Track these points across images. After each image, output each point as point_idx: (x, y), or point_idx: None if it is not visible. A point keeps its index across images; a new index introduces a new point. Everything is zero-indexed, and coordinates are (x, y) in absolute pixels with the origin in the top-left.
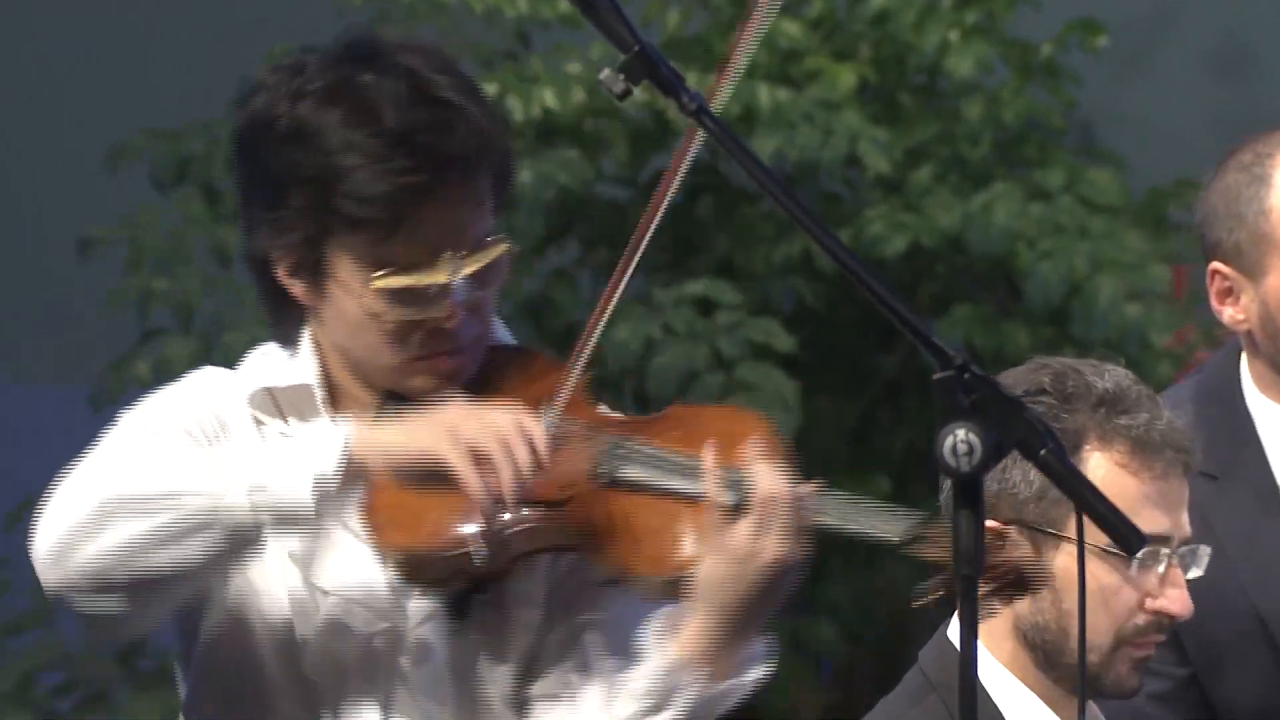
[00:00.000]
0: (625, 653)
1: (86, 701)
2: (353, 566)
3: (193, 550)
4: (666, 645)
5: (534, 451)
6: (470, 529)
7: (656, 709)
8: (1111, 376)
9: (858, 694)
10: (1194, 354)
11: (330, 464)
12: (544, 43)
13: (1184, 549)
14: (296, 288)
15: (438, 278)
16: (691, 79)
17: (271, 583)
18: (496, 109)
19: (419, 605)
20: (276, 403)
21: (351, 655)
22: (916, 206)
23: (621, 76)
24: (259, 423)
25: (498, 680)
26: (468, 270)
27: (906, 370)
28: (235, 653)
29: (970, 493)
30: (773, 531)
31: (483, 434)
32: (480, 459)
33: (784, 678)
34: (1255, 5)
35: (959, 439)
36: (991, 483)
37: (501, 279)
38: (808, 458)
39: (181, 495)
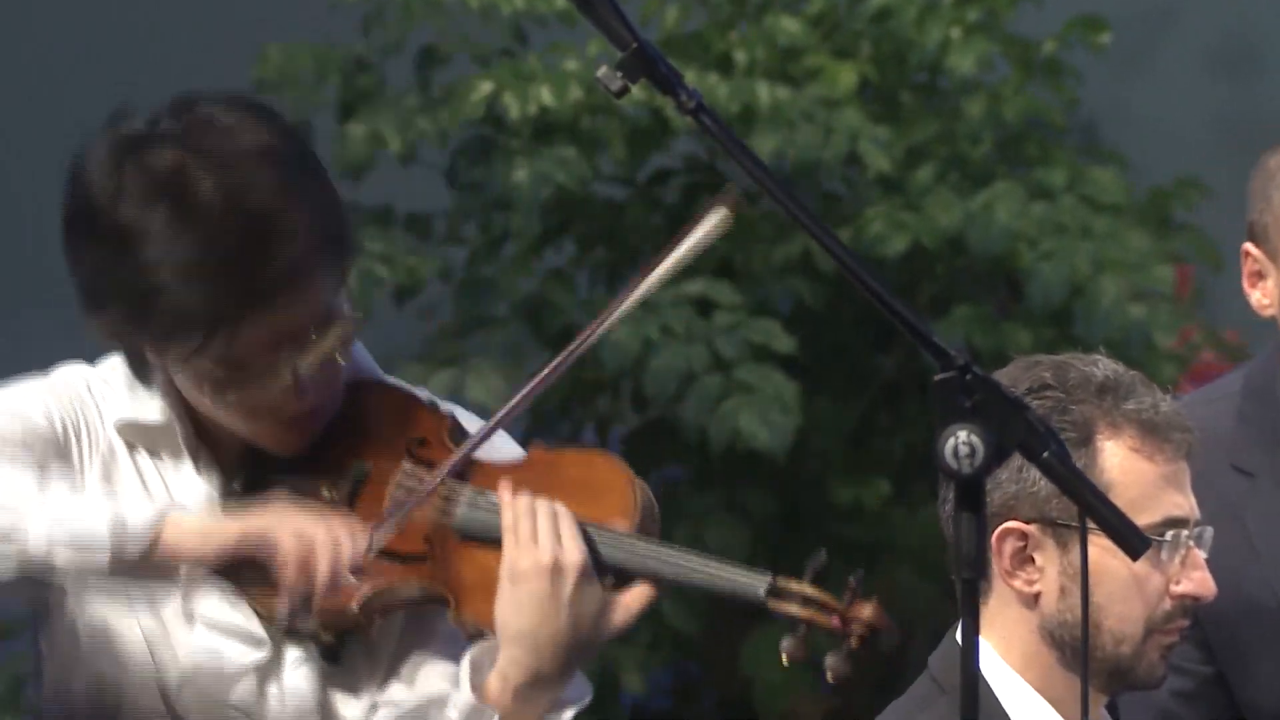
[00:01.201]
0: (447, 672)
1: None
2: (223, 595)
3: None
4: (472, 683)
5: (349, 553)
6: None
7: None
8: (1103, 365)
9: (857, 699)
10: (1198, 355)
11: (140, 523)
12: (541, 40)
13: (1196, 530)
14: (146, 350)
15: (280, 380)
16: (690, 76)
17: (125, 613)
18: (330, 186)
19: (291, 650)
20: (137, 436)
21: (224, 691)
22: (917, 206)
23: (619, 74)
24: (130, 446)
25: (358, 706)
26: (309, 361)
27: (907, 371)
28: (91, 690)
29: (972, 495)
30: (535, 543)
31: (307, 535)
32: (302, 561)
33: (783, 682)
34: (1259, 2)
35: (960, 441)
36: (1010, 484)
37: (349, 350)
38: (807, 460)
39: None
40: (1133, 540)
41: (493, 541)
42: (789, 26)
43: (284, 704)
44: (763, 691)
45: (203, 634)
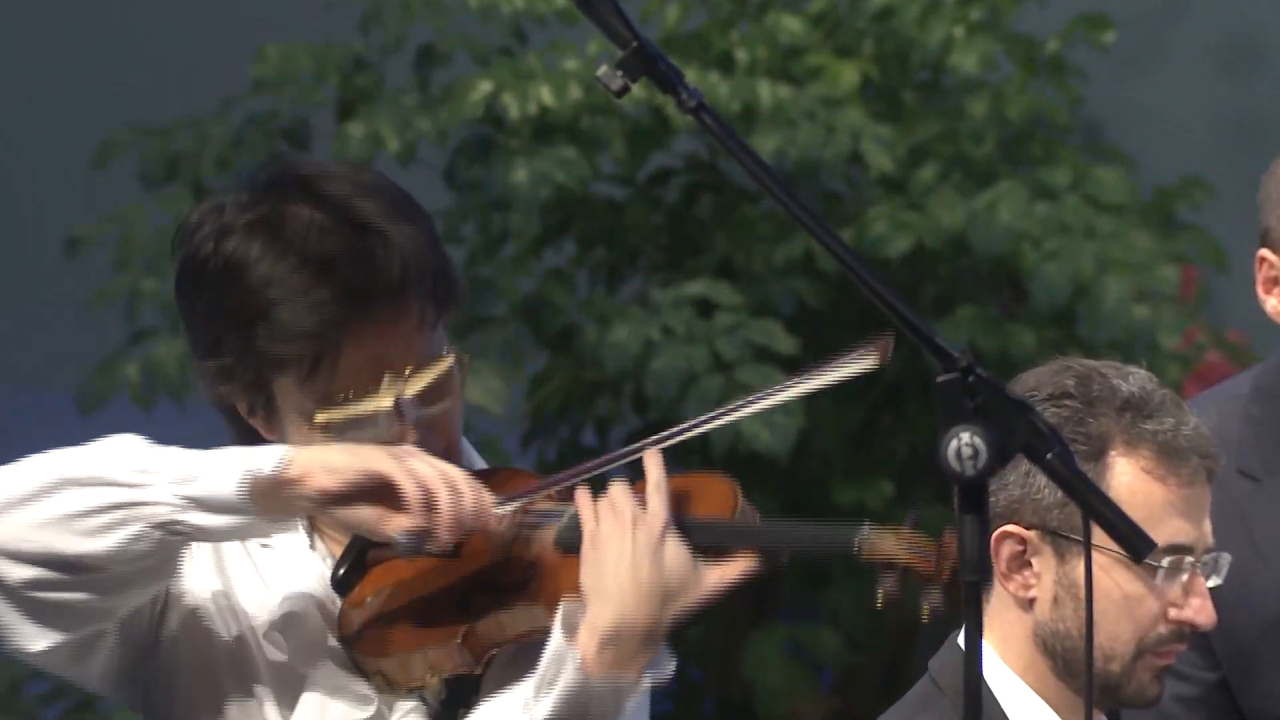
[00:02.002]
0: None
1: (73, 710)
2: (333, 660)
3: (111, 541)
4: (558, 634)
5: (474, 496)
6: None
7: (539, 692)
8: (1135, 380)
9: (859, 702)
10: (1203, 356)
11: (266, 463)
12: (540, 39)
13: (1207, 556)
14: (259, 424)
15: (380, 403)
16: (690, 75)
17: (261, 654)
18: (429, 222)
19: (401, 704)
20: None
21: None
22: (919, 206)
23: (619, 73)
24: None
25: None
26: (412, 390)
27: (909, 373)
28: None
29: (975, 498)
30: (614, 509)
31: (430, 468)
32: (425, 489)
33: (784, 685)
34: (1264, 0)
35: (963, 442)
36: (1015, 487)
37: (456, 391)
38: (809, 461)
39: (113, 482)
40: (1136, 543)
41: None
42: (790, 25)
43: None
44: (763, 695)
45: (310, 697)
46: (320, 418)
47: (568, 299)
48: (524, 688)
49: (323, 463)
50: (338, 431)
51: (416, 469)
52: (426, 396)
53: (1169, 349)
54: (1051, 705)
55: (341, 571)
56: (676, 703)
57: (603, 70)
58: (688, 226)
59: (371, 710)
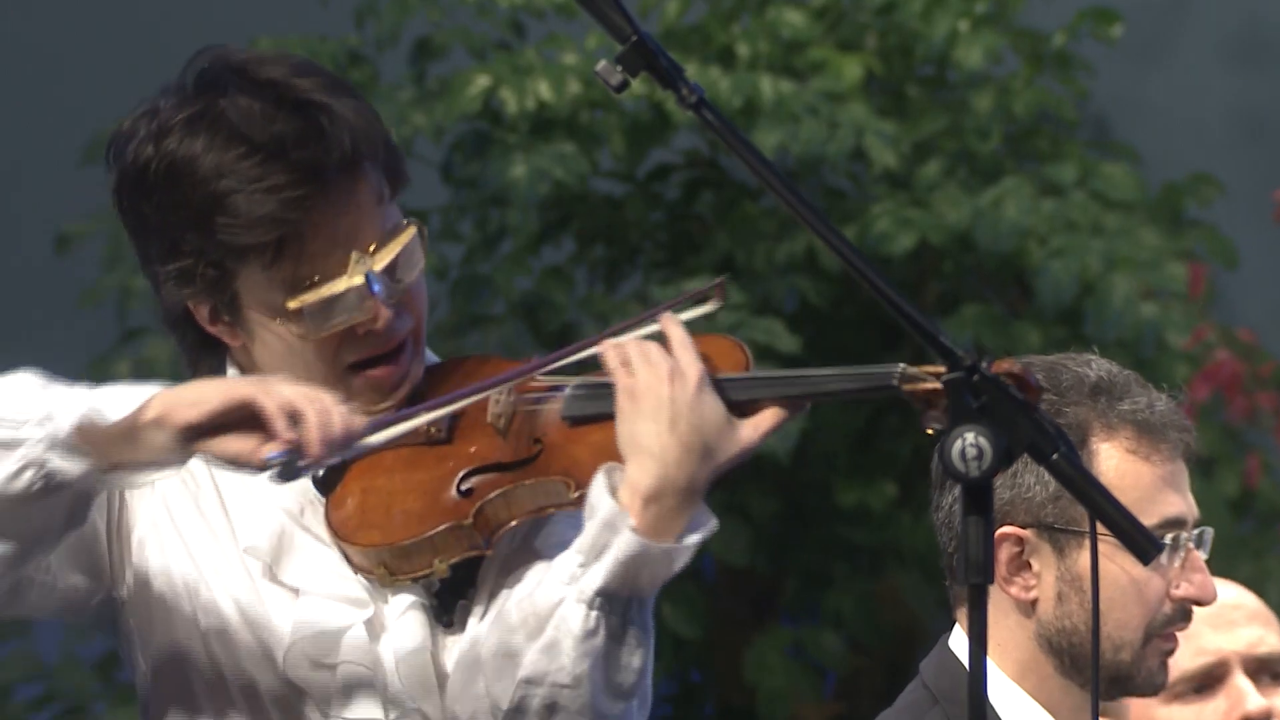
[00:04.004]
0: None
1: (65, 714)
2: (320, 567)
3: None
4: (606, 497)
5: (345, 418)
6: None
7: (589, 560)
8: (1097, 365)
9: (862, 705)
10: (1212, 354)
11: (116, 408)
12: (538, 33)
13: (1195, 531)
14: (221, 332)
15: (351, 281)
16: (691, 70)
17: (223, 589)
18: (363, 100)
19: (398, 597)
20: None
21: (332, 651)
22: (924, 202)
23: (619, 68)
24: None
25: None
26: (380, 264)
27: None
28: (191, 671)
29: (980, 498)
30: (649, 361)
31: (294, 390)
32: (289, 408)
33: (786, 688)
34: None
35: (968, 443)
36: (1004, 489)
37: (420, 263)
38: (811, 462)
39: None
40: (1143, 543)
41: (604, 417)
42: (792, 19)
43: (396, 652)
44: (765, 698)
45: (304, 603)
46: (292, 304)
47: (566, 297)
48: (565, 561)
49: (182, 398)
50: (312, 315)
51: (280, 390)
52: (394, 270)
53: (1177, 347)
54: (1050, 709)
55: (321, 471)
56: (677, 706)
57: (602, 65)
58: (688, 223)
59: (368, 612)
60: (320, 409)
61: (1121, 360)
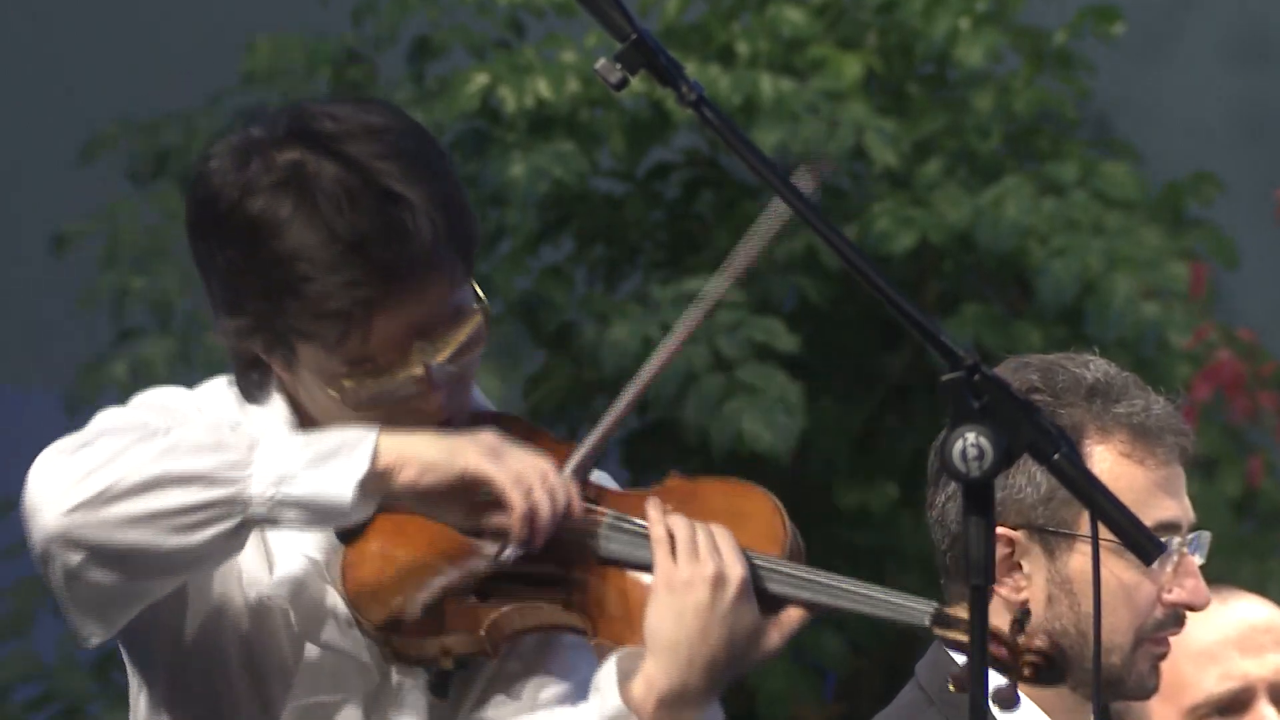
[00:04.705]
0: (574, 694)
1: (62, 714)
2: (333, 623)
3: (203, 536)
4: (614, 689)
5: (568, 498)
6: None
7: None
8: (1096, 367)
9: (862, 706)
10: (1214, 354)
11: (361, 458)
12: (537, 31)
13: (1190, 535)
14: (275, 364)
15: (412, 371)
16: (691, 68)
17: (234, 628)
18: (448, 167)
19: (400, 679)
20: None
21: (327, 717)
22: (924, 201)
23: (618, 66)
24: None
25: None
26: (443, 356)
27: (915, 371)
28: (208, 674)
29: (981, 499)
30: (696, 557)
31: (529, 468)
32: (530, 502)
33: (787, 690)
34: None
35: (969, 443)
36: (995, 490)
37: (482, 345)
38: (812, 463)
39: (210, 479)
40: (1145, 544)
41: (633, 565)
42: (793, 16)
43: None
44: (766, 700)
45: (309, 665)
46: (347, 384)
47: (565, 297)
48: None
49: (416, 456)
50: (366, 393)
51: (519, 473)
52: (456, 357)
53: (1179, 347)
54: (1045, 708)
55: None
56: None
57: (601, 63)
58: (688, 222)
59: (372, 685)
60: (551, 496)
61: (1122, 360)
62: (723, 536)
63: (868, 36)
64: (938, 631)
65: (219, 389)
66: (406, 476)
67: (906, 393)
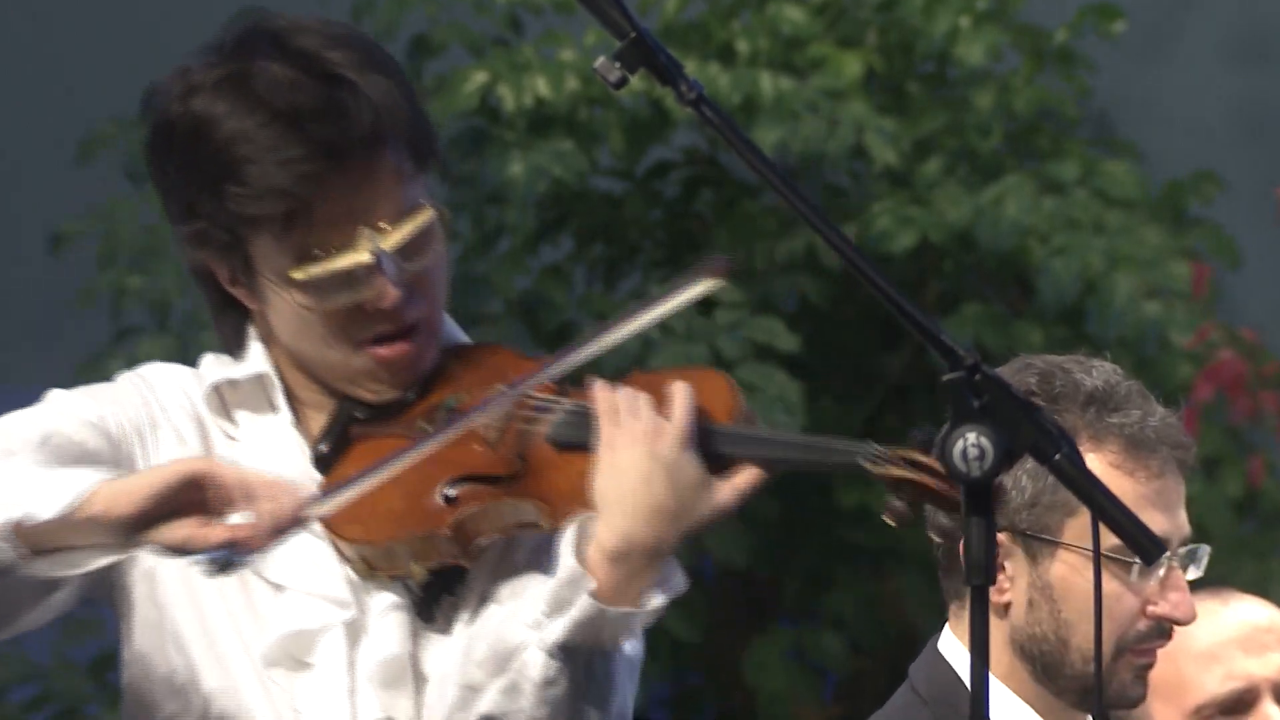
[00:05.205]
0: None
1: (58, 716)
2: (307, 560)
3: None
4: (570, 553)
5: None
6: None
7: (552, 614)
8: (1100, 373)
9: (863, 707)
10: (1216, 354)
11: (49, 506)
12: (536, 29)
13: (1184, 549)
14: (240, 294)
15: (358, 257)
16: (690, 67)
17: (204, 583)
18: (402, 74)
19: (380, 595)
20: (224, 402)
21: (309, 649)
22: (925, 200)
23: (617, 64)
24: (203, 424)
25: (450, 654)
26: (390, 243)
27: (914, 371)
28: (170, 660)
29: (981, 499)
30: (636, 415)
31: (246, 472)
32: (242, 486)
33: (786, 691)
34: None
35: (970, 443)
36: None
37: (436, 249)
38: None
39: None
40: (1146, 545)
41: (590, 446)
42: (792, 15)
43: (374, 656)
44: (766, 701)
45: (285, 599)
46: (297, 274)
47: (565, 296)
48: (534, 602)
49: (120, 488)
50: (316, 287)
51: (229, 470)
52: (407, 251)
53: (1181, 347)
54: (1036, 709)
55: (324, 448)
56: (677, 708)
57: (600, 62)
58: (687, 221)
59: (349, 613)
60: (273, 491)
61: (1124, 360)
62: (678, 392)
63: (868, 35)
64: (877, 470)
65: (200, 370)
66: (113, 512)
67: (906, 393)
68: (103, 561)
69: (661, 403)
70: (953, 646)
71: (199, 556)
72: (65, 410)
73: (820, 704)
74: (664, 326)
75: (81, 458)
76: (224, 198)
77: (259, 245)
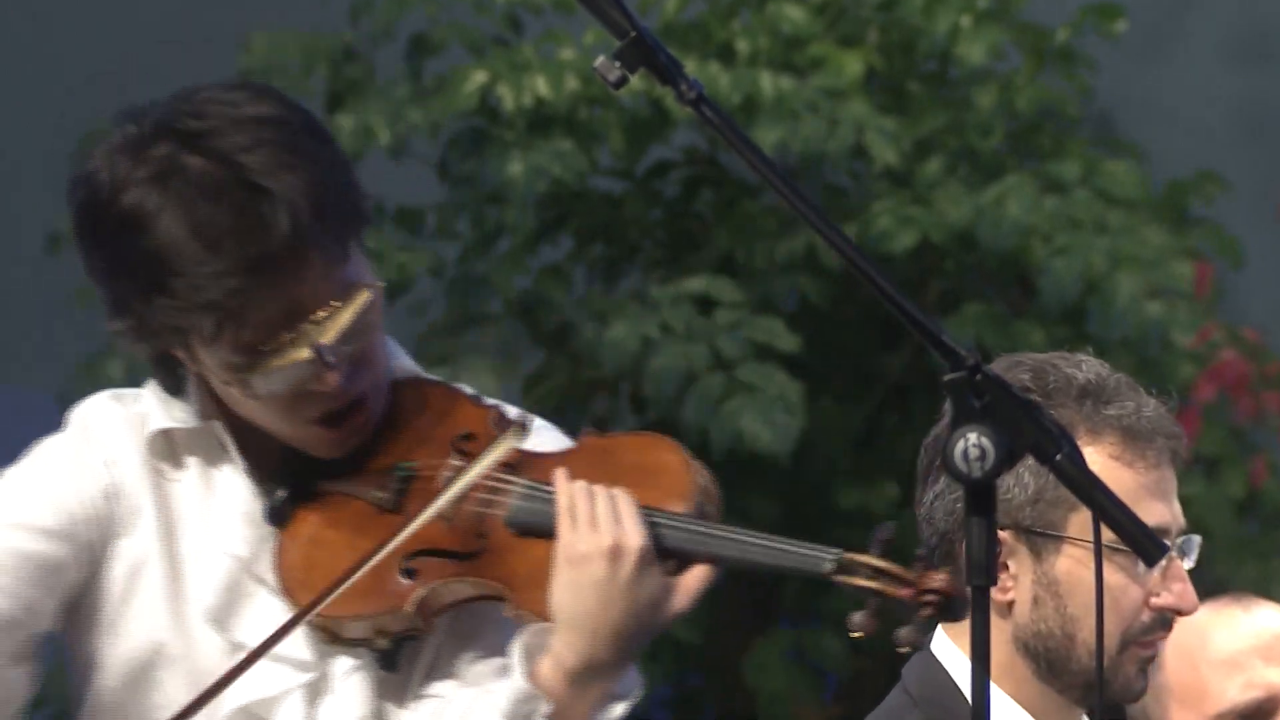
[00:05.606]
0: (498, 666)
1: (58, 717)
2: (270, 621)
3: None
4: (526, 669)
5: None
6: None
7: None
8: (1088, 367)
9: (863, 708)
10: (1217, 354)
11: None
12: (536, 29)
13: (1180, 539)
14: (182, 358)
15: (297, 355)
16: (690, 66)
17: (174, 642)
18: (326, 144)
19: (343, 659)
20: (174, 448)
21: (269, 716)
22: (925, 200)
23: (617, 64)
24: (159, 473)
25: (405, 710)
26: (329, 336)
27: (915, 371)
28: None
29: (982, 499)
30: (595, 528)
31: None
32: None
33: (787, 692)
34: None
35: (970, 443)
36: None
37: (377, 321)
38: (812, 463)
39: None
40: (1147, 545)
41: (548, 533)
42: (793, 14)
43: (335, 715)
44: (766, 702)
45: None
46: (241, 375)
47: (564, 296)
48: (488, 706)
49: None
50: (259, 383)
51: None
52: (346, 336)
53: (1183, 347)
54: (1031, 710)
55: (281, 494)
56: (677, 710)
57: (600, 61)
58: (687, 221)
59: (309, 676)
60: None
61: (1126, 360)
62: (624, 503)
63: (868, 34)
64: (839, 579)
65: (104, 424)
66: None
67: (906, 393)
68: None
69: (620, 480)
70: (946, 647)
71: None
72: (42, 509)
73: (820, 705)
74: (664, 326)
75: (55, 586)
76: (154, 306)
77: (195, 345)
